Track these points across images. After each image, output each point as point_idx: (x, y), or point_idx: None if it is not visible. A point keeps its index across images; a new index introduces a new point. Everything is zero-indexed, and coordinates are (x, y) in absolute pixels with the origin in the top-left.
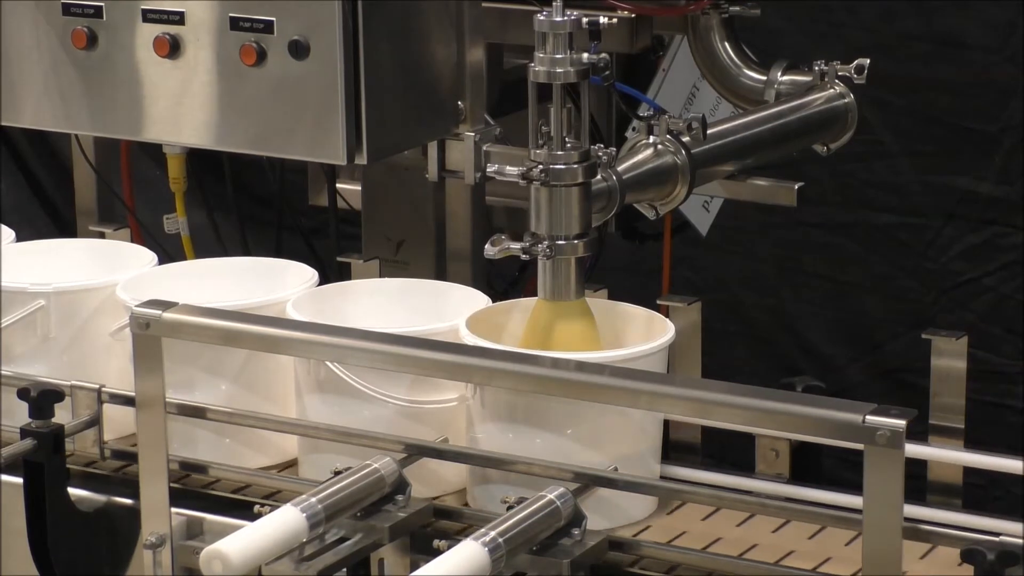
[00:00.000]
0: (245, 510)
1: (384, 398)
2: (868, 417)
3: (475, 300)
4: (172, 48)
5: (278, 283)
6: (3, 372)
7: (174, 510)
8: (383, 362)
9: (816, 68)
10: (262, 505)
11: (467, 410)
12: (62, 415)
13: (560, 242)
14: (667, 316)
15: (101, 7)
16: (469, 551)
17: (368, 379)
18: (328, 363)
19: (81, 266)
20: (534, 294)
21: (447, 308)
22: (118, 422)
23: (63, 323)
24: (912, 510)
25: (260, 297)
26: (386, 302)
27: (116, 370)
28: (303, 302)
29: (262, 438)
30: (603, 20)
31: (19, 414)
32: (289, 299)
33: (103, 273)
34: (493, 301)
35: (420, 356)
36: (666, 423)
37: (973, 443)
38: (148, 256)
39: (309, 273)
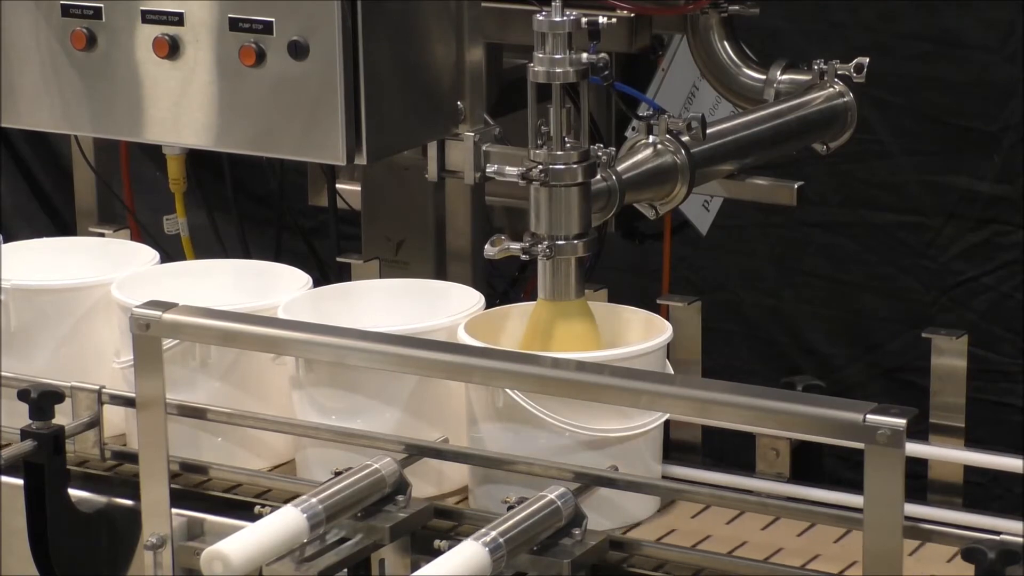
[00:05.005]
0: (246, 511)
1: (564, 426)
2: (868, 416)
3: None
4: (171, 49)
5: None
6: (3, 373)
7: (174, 511)
8: (383, 362)
9: (815, 67)
10: (263, 506)
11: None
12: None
13: (560, 242)
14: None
15: (100, 8)
16: (469, 551)
17: (548, 407)
18: (508, 391)
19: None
20: (534, 294)
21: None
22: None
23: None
24: (913, 509)
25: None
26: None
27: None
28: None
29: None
30: (602, 20)
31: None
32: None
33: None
34: (493, 301)
35: (420, 356)
36: (666, 423)
37: (973, 442)
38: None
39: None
